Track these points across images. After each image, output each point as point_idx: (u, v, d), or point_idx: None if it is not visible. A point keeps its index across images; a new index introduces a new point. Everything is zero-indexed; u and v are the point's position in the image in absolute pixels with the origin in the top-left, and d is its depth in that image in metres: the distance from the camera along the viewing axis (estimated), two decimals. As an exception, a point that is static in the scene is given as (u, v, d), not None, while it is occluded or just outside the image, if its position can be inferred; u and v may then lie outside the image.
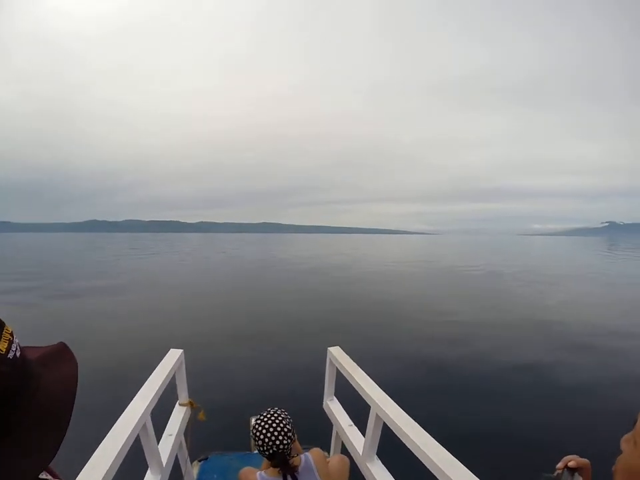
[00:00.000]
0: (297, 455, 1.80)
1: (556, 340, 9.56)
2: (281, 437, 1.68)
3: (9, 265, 31.25)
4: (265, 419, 1.74)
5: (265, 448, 1.68)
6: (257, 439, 1.70)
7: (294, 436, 1.77)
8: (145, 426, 1.88)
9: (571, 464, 0.99)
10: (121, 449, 1.57)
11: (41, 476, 0.80)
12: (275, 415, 1.76)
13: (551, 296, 16.14)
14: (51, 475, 0.95)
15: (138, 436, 1.83)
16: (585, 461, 0.99)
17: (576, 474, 0.99)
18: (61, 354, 0.80)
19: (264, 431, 1.69)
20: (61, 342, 0.84)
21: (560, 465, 1.00)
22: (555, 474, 0.99)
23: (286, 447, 1.70)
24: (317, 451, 1.89)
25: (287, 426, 1.74)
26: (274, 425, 1.71)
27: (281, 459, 1.70)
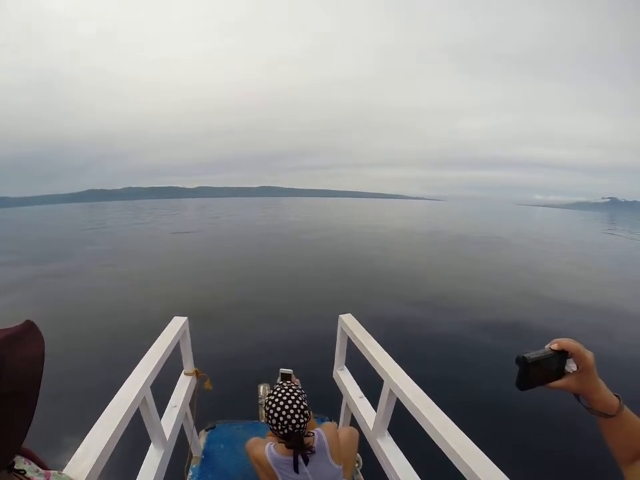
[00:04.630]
0: (311, 434, 1.67)
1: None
2: (297, 416, 1.55)
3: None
4: (280, 395, 1.60)
5: (280, 427, 1.55)
6: (270, 417, 1.57)
7: (310, 413, 1.64)
8: (144, 400, 1.78)
9: (553, 346, 0.84)
10: (117, 426, 1.47)
11: (19, 466, 0.77)
12: (291, 390, 1.63)
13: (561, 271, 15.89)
14: (33, 461, 0.85)
15: (139, 410, 1.75)
16: (574, 344, 0.83)
17: (570, 359, 0.84)
18: (27, 333, 0.73)
19: (279, 409, 1.56)
20: (28, 320, 0.75)
21: (548, 345, 0.86)
22: (539, 354, 0.83)
23: (302, 426, 1.57)
24: (329, 427, 1.78)
25: (304, 403, 1.60)
26: (289, 402, 1.57)
27: (296, 440, 1.57)
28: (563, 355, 0.84)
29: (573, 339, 0.84)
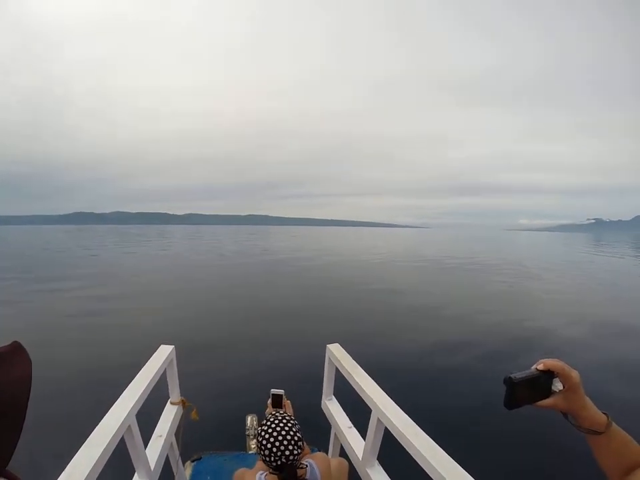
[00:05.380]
0: (304, 465, 1.61)
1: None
2: (291, 447, 1.51)
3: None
4: (274, 425, 1.56)
5: (273, 459, 1.50)
6: (263, 447, 1.52)
7: (303, 444, 1.60)
8: (129, 428, 1.75)
9: (539, 367, 0.86)
10: (101, 455, 1.45)
11: None
12: (285, 420, 1.59)
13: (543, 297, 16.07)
14: None
15: (123, 439, 1.72)
16: (559, 364, 0.85)
17: (556, 379, 0.86)
18: (14, 354, 0.72)
19: (272, 439, 1.51)
20: (15, 341, 0.75)
21: (535, 366, 0.87)
22: (525, 374, 0.85)
23: (296, 457, 1.52)
24: (321, 457, 1.74)
25: (297, 433, 1.56)
26: (283, 432, 1.53)
27: (289, 472, 1.52)
28: (549, 374, 0.86)
29: (559, 358, 0.87)
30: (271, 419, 1.61)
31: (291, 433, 1.54)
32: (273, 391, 2.03)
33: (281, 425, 1.56)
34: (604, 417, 0.86)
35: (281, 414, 1.65)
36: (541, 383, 0.86)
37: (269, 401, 2.04)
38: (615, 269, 27.58)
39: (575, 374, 0.86)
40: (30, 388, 0.71)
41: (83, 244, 49.60)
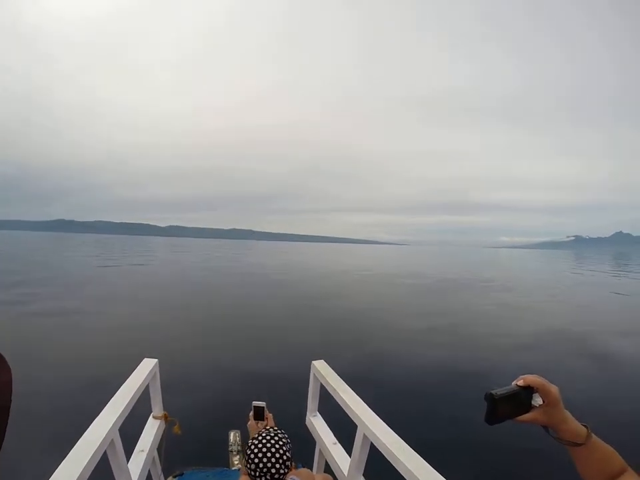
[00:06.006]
0: None
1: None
2: (278, 465, 1.49)
3: None
4: (264, 441, 1.54)
5: (258, 474, 1.48)
6: (250, 461, 1.51)
7: (291, 463, 1.57)
8: (112, 442, 1.73)
9: (519, 382, 0.89)
10: (83, 470, 1.43)
11: None
12: (277, 437, 1.57)
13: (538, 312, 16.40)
14: None
15: (105, 454, 1.70)
16: (539, 380, 0.88)
17: (536, 394, 0.89)
18: None
19: (260, 455, 1.50)
20: None
21: (515, 382, 0.90)
22: (506, 390, 0.87)
23: (282, 476, 1.50)
24: (305, 473, 1.72)
25: (287, 453, 1.54)
26: (272, 449, 1.51)
27: None
28: (529, 390, 0.89)
29: (539, 374, 0.90)
30: (264, 434, 1.60)
31: (281, 451, 1.53)
32: (255, 403, 2.03)
33: (272, 441, 1.55)
34: (584, 429, 0.89)
35: (274, 430, 1.64)
36: (522, 399, 0.89)
37: (251, 413, 2.03)
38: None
39: (554, 389, 0.89)
40: (11, 396, 0.67)
41: (64, 253, 48.63)
